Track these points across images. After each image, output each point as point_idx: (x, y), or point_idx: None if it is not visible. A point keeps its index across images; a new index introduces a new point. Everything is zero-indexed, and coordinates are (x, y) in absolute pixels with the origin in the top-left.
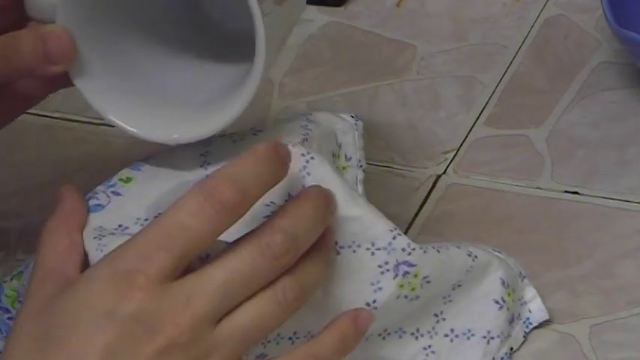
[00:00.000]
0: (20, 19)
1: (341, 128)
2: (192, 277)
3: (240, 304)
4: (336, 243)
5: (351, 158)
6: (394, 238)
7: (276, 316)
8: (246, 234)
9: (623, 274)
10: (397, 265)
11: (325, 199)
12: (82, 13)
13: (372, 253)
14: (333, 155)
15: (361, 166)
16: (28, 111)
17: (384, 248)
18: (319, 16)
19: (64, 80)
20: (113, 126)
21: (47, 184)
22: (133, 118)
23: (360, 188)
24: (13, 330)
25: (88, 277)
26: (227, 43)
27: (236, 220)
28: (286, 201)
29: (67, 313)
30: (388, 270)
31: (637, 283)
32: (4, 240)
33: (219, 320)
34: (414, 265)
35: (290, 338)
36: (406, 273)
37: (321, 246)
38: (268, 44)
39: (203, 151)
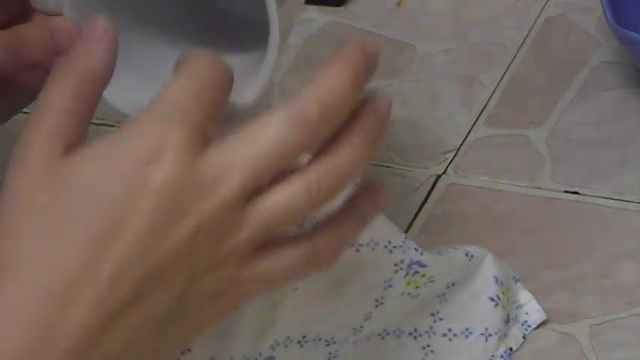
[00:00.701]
0: (23, 10)
1: None
2: (220, 149)
3: (272, 183)
4: (355, 240)
5: None
6: (406, 238)
7: (306, 205)
8: (280, 106)
9: (623, 274)
10: (410, 265)
11: (364, 62)
12: (89, 7)
13: (390, 251)
14: None
15: (356, 184)
16: (28, 111)
17: (400, 247)
18: (319, 16)
19: None
20: (113, 126)
21: None
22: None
23: None
24: (10, 197)
25: (110, 139)
26: (233, 30)
27: None
28: None
29: (85, 183)
30: (402, 269)
31: (637, 283)
32: None
33: (250, 198)
34: (425, 266)
35: (299, 342)
36: (416, 272)
37: (365, 126)
38: (281, 37)
39: None
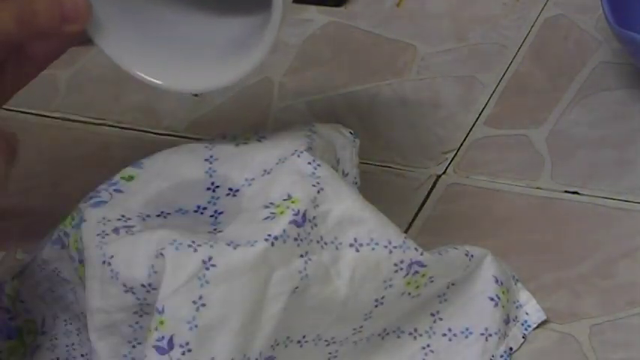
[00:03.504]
0: None
1: (340, 144)
2: None
3: None
4: (355, 240)
5: (347, 174)
6: (406, 238)
7: None
8: None
9: (623, 274)
10: (410, 265)
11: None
12: None
13: (390, 252)
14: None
15: (356, 184)
16: (28, 111)
17: (400, 247)
18: (319, 16)
19: (77, 38)
20: (113, 126)
21: (47, 184)
22: (155, 70)
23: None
24: None
25: None
26: None
27: None
28: (284, 200)
29: None
30: (402, 269)
31: (637, 283)
32: (4, 240)
33: None
34: (425, 266)
35: (299, 342)
36: (416, 272)
37: None
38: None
39: (207, 155)
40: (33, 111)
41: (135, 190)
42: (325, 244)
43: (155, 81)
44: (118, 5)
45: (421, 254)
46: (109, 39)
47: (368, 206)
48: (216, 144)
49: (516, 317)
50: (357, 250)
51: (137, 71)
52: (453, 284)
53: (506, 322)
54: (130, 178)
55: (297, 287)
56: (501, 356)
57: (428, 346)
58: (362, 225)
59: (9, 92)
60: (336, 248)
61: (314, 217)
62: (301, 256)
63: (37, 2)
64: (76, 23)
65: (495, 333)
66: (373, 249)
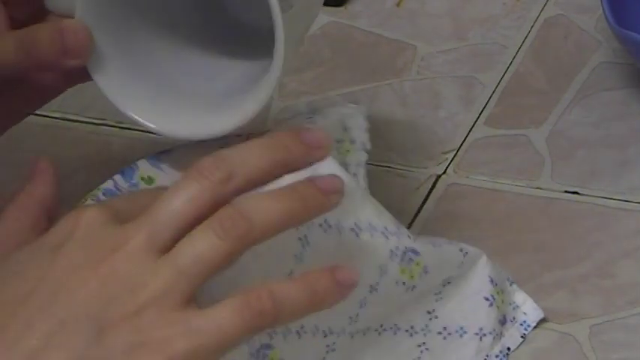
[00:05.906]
0: (40, 11)
1: (348, 113)
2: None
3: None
4: (356, 224)
5: (355, 141)
6: (399, 225)
7: (216, 248)
8: None
9: (623, 274)
10: (405, 252)
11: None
12: (101, 8)
13: (387, 237)
14: (338, 142)
15: (366, 149)
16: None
17: (395, 233)
18: (319, 16)
19: (80, 75)
20: (113, 126)
21: None
22: (152, 114)
23: (363, 171)
24: None
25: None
26: (246, 36)
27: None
28: None
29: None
30: (397, 255)
31: (637, 283)
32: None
33: (162, 251)
34: (418, 254)
35: (297, 332)
36: (410, 260)
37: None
38: (287, 44)
39: None
40: None
41: None
42: (329, 226)
43: (150, 125)
44: (121, 44)
45: (414, 241)
46: (107, 78)
47: (365, 192)
48: (230, 144)
49: (514, 318)
50: (357, 235)
51: (131, 113)
52: (449, 282)
53: (502, 322)
54: (150, 180)
55: (291, 272)
56: (497, 356)
57: (424, 343)
58: (359, 211)
59: (8, 123)
60: (339, 232)
61: None
62: (299, 239)
63: (40, 33)
64: (76, 59)
65: (490, 333)
66: (372, 235)
